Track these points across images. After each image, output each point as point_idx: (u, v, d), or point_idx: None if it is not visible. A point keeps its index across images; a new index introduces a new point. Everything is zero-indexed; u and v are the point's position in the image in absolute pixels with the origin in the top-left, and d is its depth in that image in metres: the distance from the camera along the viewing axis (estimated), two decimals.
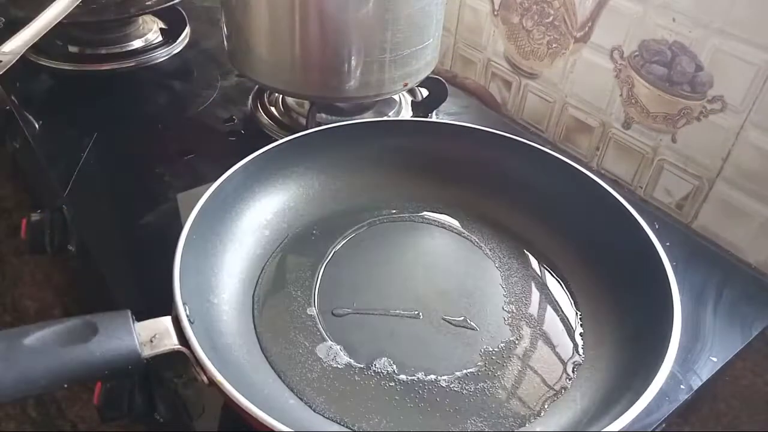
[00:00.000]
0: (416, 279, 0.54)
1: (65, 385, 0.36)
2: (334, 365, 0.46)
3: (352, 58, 0.62)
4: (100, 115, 0.75)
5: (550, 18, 0.77)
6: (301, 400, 0.43)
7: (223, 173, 0.52)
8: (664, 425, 0.45)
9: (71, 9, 0.68)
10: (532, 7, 0.79)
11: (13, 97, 0.76)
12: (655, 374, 0.39)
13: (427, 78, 0.71)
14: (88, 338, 0.36)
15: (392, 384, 0.45)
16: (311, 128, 0.61)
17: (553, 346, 0.48)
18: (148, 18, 0.92)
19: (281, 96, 0.76)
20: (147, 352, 0.38)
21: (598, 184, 0.54)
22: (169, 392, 0.45)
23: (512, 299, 0.52)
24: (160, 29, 0.91)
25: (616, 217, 0.51)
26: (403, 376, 0.45)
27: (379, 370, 0.45)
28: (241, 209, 0.55)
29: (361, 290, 0.52)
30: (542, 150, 0.58)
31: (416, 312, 0.50)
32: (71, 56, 0.84)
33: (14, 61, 0.61)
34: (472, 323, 0.50)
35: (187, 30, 0.91)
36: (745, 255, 0.65)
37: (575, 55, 0.76)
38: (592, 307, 0.51)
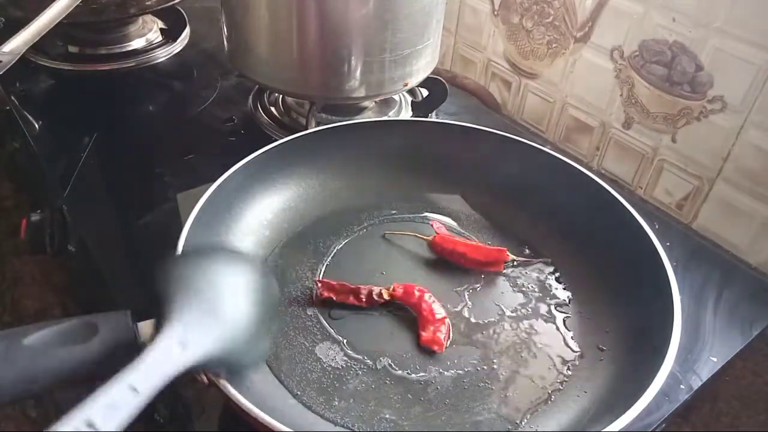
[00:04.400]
0: (416, 279, 0.54)
1: (65, 385, 0.36)
2: (334, 365, 0.46)
3: (352, 58, 0.62)
4: (100, 115, 0.75)
5: (550, 18, 0.77)
6: (301, 400, 0.43)
7: (223, 173, 0.52)
8: (664, 425, 0.45)
9: (71, 9, 0.68)
10: (532, 7, 0.79)
11: (13, 97, 0.76)
12: (655, 374, 0.39)
13: (427, 78, 0.71)
14: (88, 338, 0.36)
15: (392, 383, 0.45)
16: (311, 128, 0.61)
17: (554, 346, 0.48)
18: (148, 18, 0.92)
19: (281, 96, 0.76)
20: None
21: (598, 184, 0.54)
22: (169, 392, 0.45)
23: (513, 299, 0.52)
24: (160, 29, 0.91)
25: (617, 217, 0.51)
26: (403, 376, 0.45)
27: (380, 370, 0.45)
28: (241, 209, 0.55)
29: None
30: (542, 150, 0.58)
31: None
32: (71, 56, 0.84)
33: (14, 61, 0.61)
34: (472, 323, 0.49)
35: (187, 30, 0.91)
36: (745, 255, 0.65)
37: (575, 55, 0.76)
38: (592, 307, 0.50)
